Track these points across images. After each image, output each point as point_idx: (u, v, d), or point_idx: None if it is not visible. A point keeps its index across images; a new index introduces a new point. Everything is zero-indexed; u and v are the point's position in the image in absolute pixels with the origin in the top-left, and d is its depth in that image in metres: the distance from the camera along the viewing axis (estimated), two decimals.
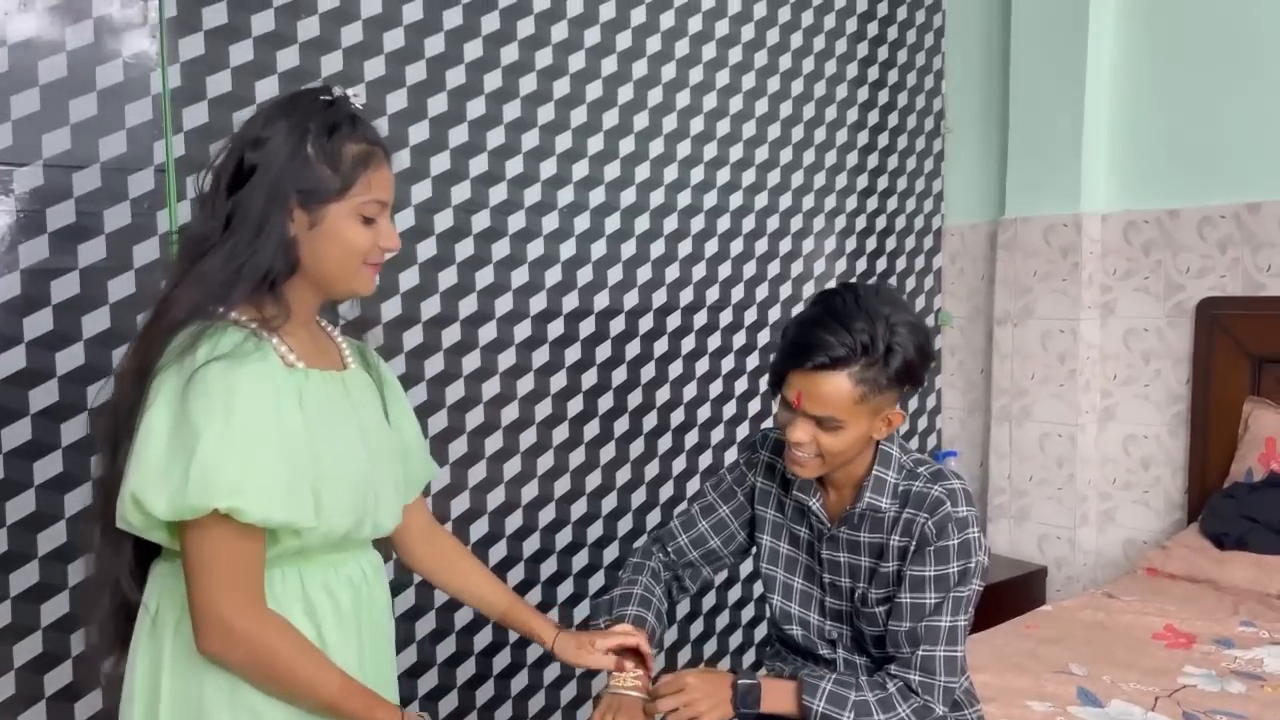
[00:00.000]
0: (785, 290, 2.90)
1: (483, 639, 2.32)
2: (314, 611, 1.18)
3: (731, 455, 2.79)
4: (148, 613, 1.18)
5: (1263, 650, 2.09)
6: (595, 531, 2.52)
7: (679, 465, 2.69)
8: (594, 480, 2.51)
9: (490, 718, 2.35)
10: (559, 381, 2.42)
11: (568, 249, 2.42)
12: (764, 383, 2.86)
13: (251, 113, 1.22)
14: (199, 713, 1.13)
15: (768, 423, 2.88)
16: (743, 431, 2.82)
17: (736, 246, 2.77)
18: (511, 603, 1.48)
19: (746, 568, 2.80)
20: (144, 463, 1.07)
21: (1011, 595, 2.87)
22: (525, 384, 2.36)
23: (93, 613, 1.23)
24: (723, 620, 2.81)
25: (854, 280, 1.42)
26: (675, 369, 2.66)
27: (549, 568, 2.44)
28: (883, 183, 3.16)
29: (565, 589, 2.47)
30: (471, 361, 2.27)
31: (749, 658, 2.86)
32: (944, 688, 1.41)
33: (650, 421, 2.62)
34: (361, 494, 1.20)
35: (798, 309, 2.90)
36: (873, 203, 3.13)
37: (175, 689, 1.14)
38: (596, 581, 2.52)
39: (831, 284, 3.00)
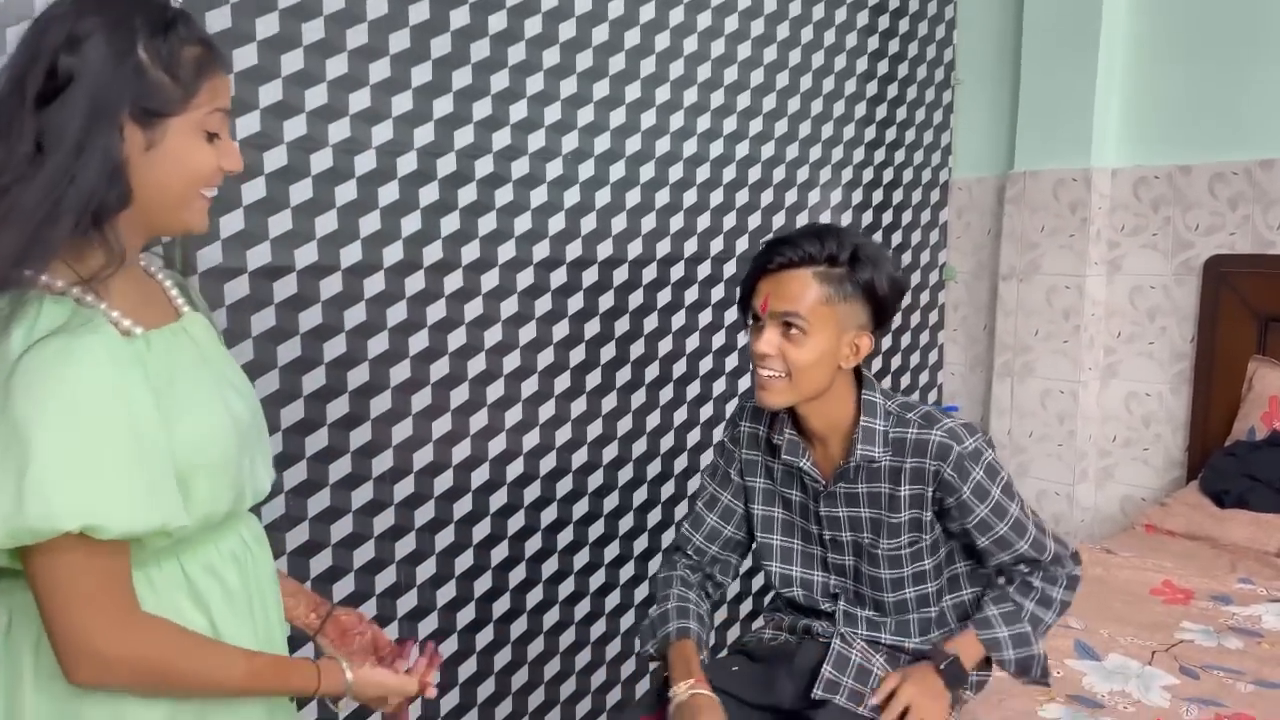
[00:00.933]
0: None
1: (481, 584, 2.33)
2: (201, 598, 1.05)
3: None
4: None
5: (1261, 607, 2.10)
6: (595, 480, 2.52)
7: (680, 416, 2.68)
8: (595, 430, 2.51)
9: (489, 661, 2.37)
10: (561, 330, 2.41)
11: (571, 196, 2.39)
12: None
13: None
14: None
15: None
16: (744, 384, 2.81)
17: (742, 197, 2.74)
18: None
19: None
20: None
21: None
22: (527, 332, 2.34)
23: None
24: None
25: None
26: (679, 320, 2.64)
27: (549, 515, 2.44)
28: (890, 134, 3.11)
29: (565, 536, 2.48)
30: (474, 309, 2.25)
31: (746, 606, 2.88)
32: (1057, 554, 1.52)
33: (652, 372, 2.60)
34: (237, 464, 1.05)
35: None
36: (880, 155, 3.09)
37: (43, 707, 0.98)
38: (596, 530, 2.53)
39: None
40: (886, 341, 3.20)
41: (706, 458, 2.74)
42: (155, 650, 0.97)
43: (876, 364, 3.16)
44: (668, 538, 2.69)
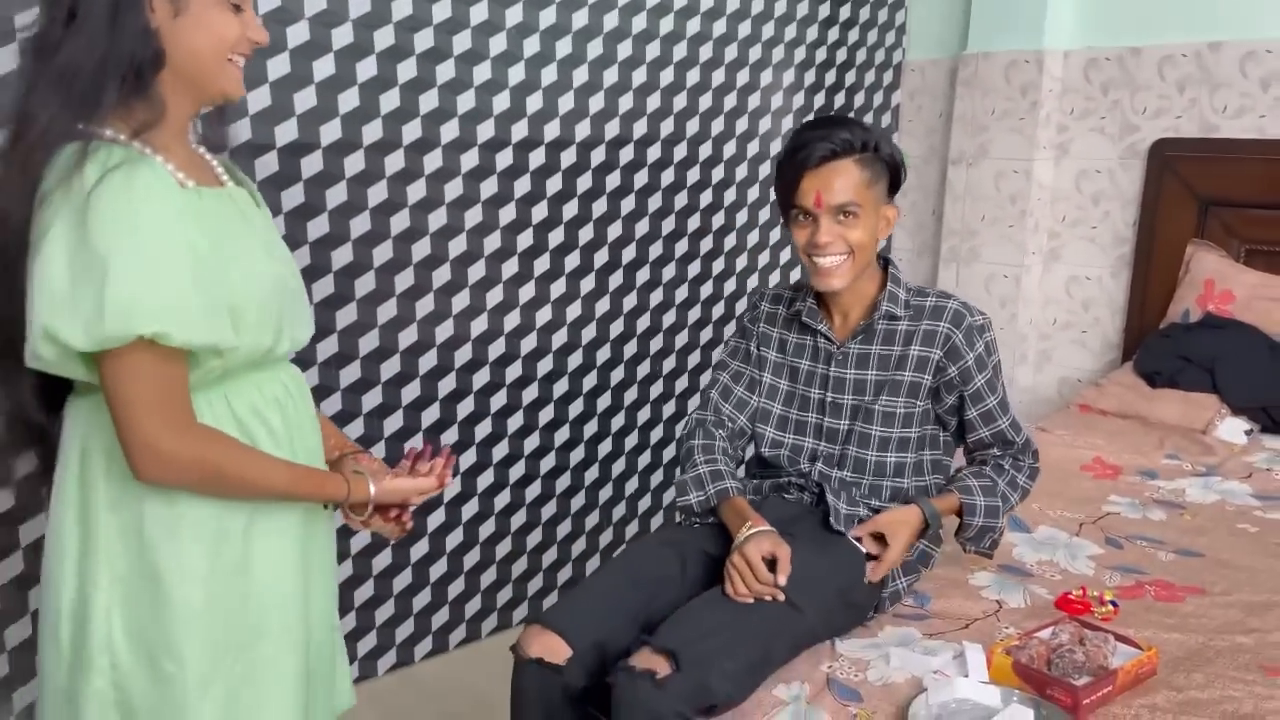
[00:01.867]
0: (742, 124, 2.83)
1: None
2: (249, 433, 1.17)
3: (682, 294, 2.79)
4: (73, 453, 1.14)
5: (1185, 481, 2.20)
6: (545, 366, 2.52)
7: (630, 302, 2.68)
8: (544, 316, 2.50)
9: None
10: (508, 214, 2.37)
11: (516, 74, 2.31)
12: (718, 220, 2.84)
13: None
14: (140, 543, 1.11)
15: (719, 265, 2.87)
16: (694, 270, 2.80)
17: (693, 76, 2.68)
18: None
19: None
20: (49, 295, 1.01)
21: None
22: (473, 216, 2.30)
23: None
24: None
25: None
26: (628, 204, 2.61)
27: (499, 400, 2.45)
28: (844, 12, 3.04)
29: (515, 421, 2.49)
30: (417, 190, 2.20)
31: None
32: (1028, 441, 1.67)
33: (601, 258, 2.59)
34: (278, 306, 1.18)
35: (753, 145, 2.85)
36: (834, 34, 3.03)
37: (113, 523, 1.12)
38: (546, 414, 2.55)
39: (788, 120, 2.94)
40: None
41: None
42: (210, 453, 1.10)
43: None
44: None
